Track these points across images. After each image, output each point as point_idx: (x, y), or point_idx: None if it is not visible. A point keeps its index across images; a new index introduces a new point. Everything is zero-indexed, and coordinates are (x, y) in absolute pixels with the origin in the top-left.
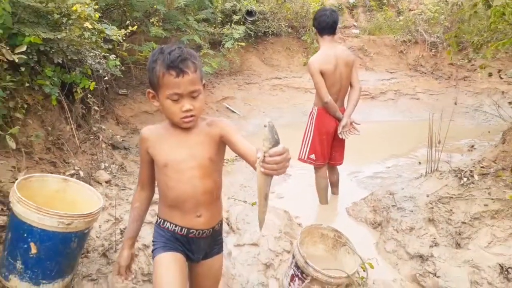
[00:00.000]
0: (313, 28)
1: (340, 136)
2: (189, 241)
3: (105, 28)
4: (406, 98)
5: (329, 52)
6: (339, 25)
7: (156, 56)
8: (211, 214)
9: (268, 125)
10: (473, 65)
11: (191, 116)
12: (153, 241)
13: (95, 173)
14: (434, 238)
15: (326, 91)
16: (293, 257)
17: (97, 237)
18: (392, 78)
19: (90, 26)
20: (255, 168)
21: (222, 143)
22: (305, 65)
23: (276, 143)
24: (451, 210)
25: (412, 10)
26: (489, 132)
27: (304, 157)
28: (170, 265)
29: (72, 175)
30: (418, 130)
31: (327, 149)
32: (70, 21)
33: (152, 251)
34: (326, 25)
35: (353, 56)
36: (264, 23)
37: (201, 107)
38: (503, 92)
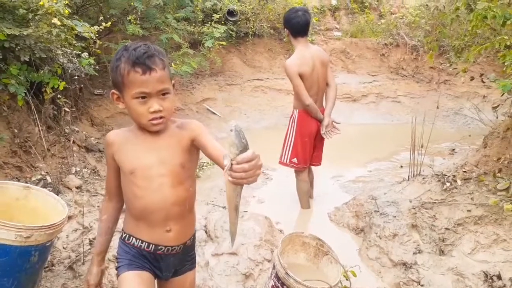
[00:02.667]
0: (285, 29)
1: (324, 137)
2: (157, 258)
3: (75, 25)
4: (388, 101)
5: (305, 53)
6: (321, 28)
7: (120, 54)
8: (182, 228)
9: (234, 129)
10: (455, 68)
11: (160, 117)
12: (117, 258)
13: (65, 178)
14: (418, 245)
15: (307, 93)
16: (274, 267)
17: (63, 248)
18: (374, 81)
19: (58, 23)
20: None
21: (194, 147)
22: None
23: (244, 148)
24: (434, 215)
25: (393, 14)
26: (470, 135)
27: (286, 161)
28: (135, 286)
29: (39, 180)
30: (399, 133)
31: (310, 152)
32: (37, 17)
33: (117, 268)
34: (300, 27)
35: (327, 55)
36: (246, 24)
37: (171, 108)
38: (484, 96)
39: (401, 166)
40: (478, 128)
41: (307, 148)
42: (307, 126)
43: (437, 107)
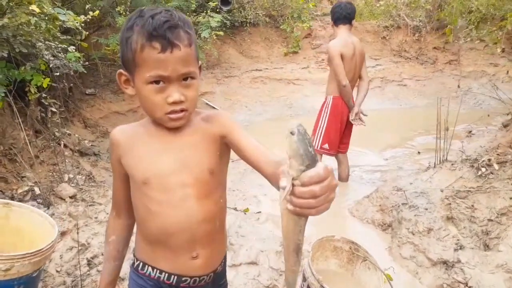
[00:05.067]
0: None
1: (352, 122)
2: None
3: (58, 13)
4: (393, 85)
5: (347, 39)
6: (318, 13)
7: (132, 21)
8: (212, 253)
9: (296, 131)
10: (479, 41)
11: (182, 110)
12: None
13: (57, 187)
14: (458, 240)
15: (345, 74)
16: (304, 279)
17: (57, 271)
18: (377, 65)
19: (37, 10)
20: (272, 182)
21: (224, 145)
22: (286, 55)
23: (312, 161)
24: (472, 205)
25: None
26: (488, 115)
27: (317, 147)
28: None
29: (27, 192)
30: (409, 117)
31: (339, 138)
32: (11, 3)
33: None
34: (340, 15)
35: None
36: (241, 12)
37: (196, 98)
38: (493, 74)
39: (419, 152)
40: (491, 107)
41: (338, 134)
42: (340, 112)
43: (458, 86)
